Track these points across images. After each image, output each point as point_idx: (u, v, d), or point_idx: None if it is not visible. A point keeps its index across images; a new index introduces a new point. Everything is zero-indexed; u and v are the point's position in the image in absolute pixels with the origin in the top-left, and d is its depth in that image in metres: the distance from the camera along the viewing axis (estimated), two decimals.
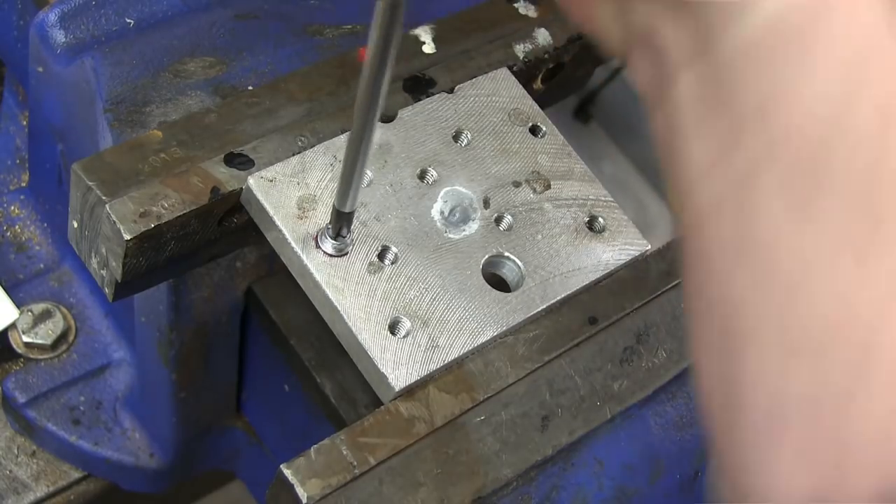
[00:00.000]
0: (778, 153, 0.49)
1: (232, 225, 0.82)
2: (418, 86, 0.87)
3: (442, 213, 0.82)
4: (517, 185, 0.85)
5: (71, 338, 1.12)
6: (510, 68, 0.90)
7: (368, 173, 0.81)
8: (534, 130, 0.88)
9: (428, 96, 0.87)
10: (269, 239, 0.80)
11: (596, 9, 0.55)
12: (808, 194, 0.48)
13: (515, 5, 0.95)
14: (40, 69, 0.95)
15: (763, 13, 0.48)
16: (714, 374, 0.52)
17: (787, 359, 0.48)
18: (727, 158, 0.51)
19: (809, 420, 0.48)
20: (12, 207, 1.16)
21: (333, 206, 0.75)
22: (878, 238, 0.47)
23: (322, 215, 0.79)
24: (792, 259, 0.48)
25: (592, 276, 0.83)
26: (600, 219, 0.85)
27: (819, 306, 0.48)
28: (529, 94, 0.90)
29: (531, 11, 0.94)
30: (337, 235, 0.77)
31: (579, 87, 1.05)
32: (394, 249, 0.79)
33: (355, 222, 0.77)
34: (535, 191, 0.85)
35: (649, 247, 0.85)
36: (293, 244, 0.78)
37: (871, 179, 0.48)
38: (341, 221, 0.76)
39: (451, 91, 0.88)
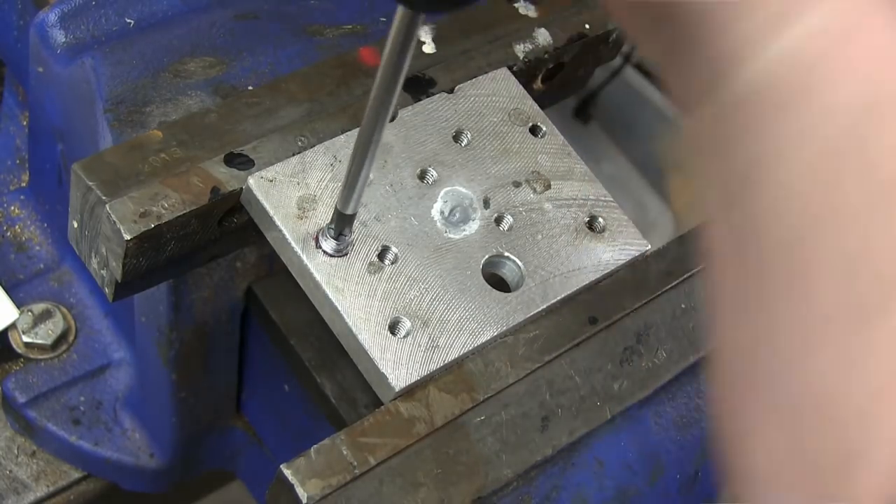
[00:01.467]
0: (767, 221, 0.47)
1: (232, 225, 0.82)
2: (418, 86, 0.87)
3: (442, 213, 0.82)
4: (517, 185, 0.85)
5: (71, 338, 1.12)
6: (510, 68, 0.90)
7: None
8: (534, 130, 0.88)
9: (428, 96, 0.87)
10: (269, 239, 0.80)
11: (634, 19, 0.53)
12: (797, 268, 0.47)
13: (515, 5, 0.95)
14: (40, 69, 0.95)
15: (763, 61, 0.46)
16: (725, 415, 0.52)
17: (789, 419, 0.48)
18: (728, 210, 0.49)
19: (810, 482, 0.48)
20: (12, 207, 1.16)
21: (335, 207, 0.75)
22: (870, 329, 0.46)
23: (322, 215, 0.79)
24: (788, 327, 0.48)
25: (592, 276, 0.83)
26: (600, 219, 0.85)
27: (816, 374, 0.47)
28: (529, 94, 0.90)
29: (531, 11, 0.94)
30: (338, 236, 0.77)
31: (579, 87, 1.05)
32: (394, 249, 0.79)
33: (355, 222, 0.77)
34: (535, 191, 0.85)
35: (649, 247, 0.85)
36: (293, 244, 0.78)
37: (858, 260, 0.46)
38: (343, 223, 0.76)
39: (451, 91, 0.88)
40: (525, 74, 0.92)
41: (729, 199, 0.49)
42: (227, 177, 0.79)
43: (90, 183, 0.77)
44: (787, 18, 0.46)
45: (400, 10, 0.60)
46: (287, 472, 0.71)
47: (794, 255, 0.47)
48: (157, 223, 0.76)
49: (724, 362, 0.51)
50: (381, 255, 0.79)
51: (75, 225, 0.81)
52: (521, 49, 0.92)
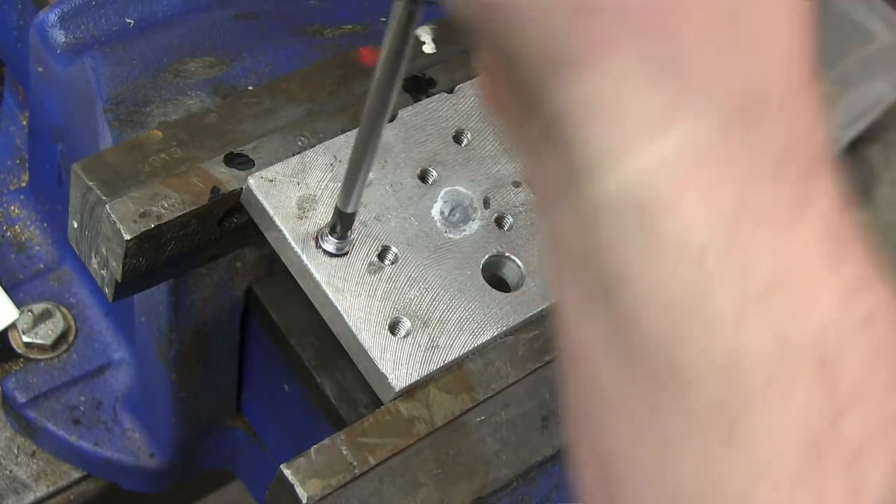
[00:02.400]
0: (623, 337, 0.46)
1: (232, 225, 0.82)
2: (418, 86, 0.87)
3: (442, 213, 0.82)
4: (517, 185, 0.85)
5: (71, 338, 1.12)
6: None
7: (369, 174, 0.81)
8: None
9: (428, 96, 0.87)
10: (269, 239, 0.80)
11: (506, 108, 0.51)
12: (658, 383, 0.46)
13: None
14: (40, 69, 0.95)
15: (620, 174, 0.44)
16: None
17: None
18: (585, 317, 0.48)
19: None
20: (12, 207, 1.16)
21: (336, 206, 0.75)
22: (736, 430, 0.45)
23: (322, 215, 0.79)
24: (655, 435, 0.46)
25: None
26: None
27: (686, 475, 0.46)
28: None
29: None
30: (337, 235, 0.77)
31: None
32: (394, 249, 0.79)
33: (355, 222, 0.77)
34: None
35: None
36: (293, 244, 0.78)
37: (727, 374, 0.45)
38: (343, 222, 0.76)
39: (451, 91, 0.88)
40: None
41: (588, 304, 0.48)
42: (227, 177, 0.79)
43: (90, 183, 0.77)
44: (644, 138, 0.44)
45: (396, 3, 0.60)
46: (287, 472, 0.71)
47: (658, 358, 0.46)
48: (157, 223, 0.76)
49: (589, 464, 0.50)
50: (381, 255, 0.79)
51: (75, 225, 0.81)
52: None
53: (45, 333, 1.10)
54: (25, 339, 1.10)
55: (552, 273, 0.50)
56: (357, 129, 0.71)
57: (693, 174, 0.44)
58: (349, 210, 0.75)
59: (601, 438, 0.49)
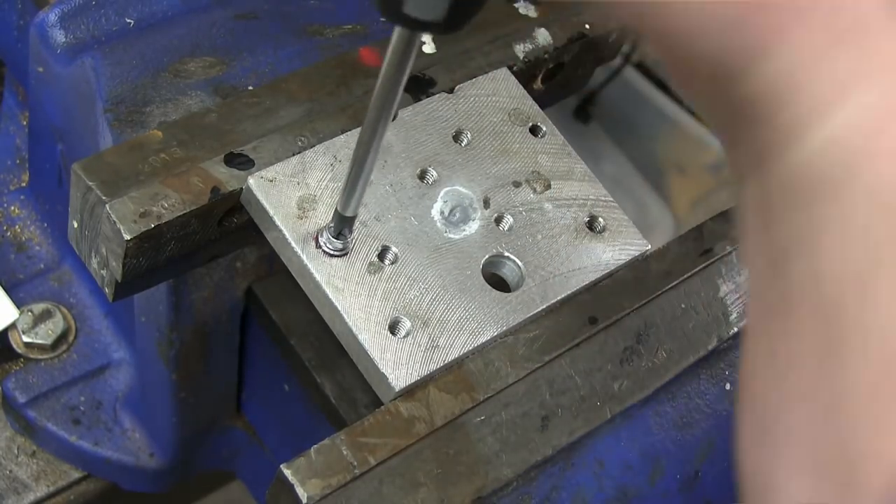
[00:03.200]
0: (798, 300, 0.48)
1: (232, 225, 0.82)
2: (418, 86, 0.87)
3: (442, 213, 0.82)
4: (517, 185, 0.85)
5: (71, 338, 1.12)
6: (510, 68, 0.90)
7: None
8: (534, 130, 0.88)
9: (428, 96, 0.87)
10: (269, 239, 0.80)
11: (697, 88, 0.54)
12: (824, 349, 0.48)
13: (515, 5, 0.95)
14: (40, 69, 0.95)
15: (809, 144, 0.48)
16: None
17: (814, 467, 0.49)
18: (766, 283, 0.50)
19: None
20: (12, 207, 1.16)
21: (336, 209, 0.75)
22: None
23: (322, 215, 0.79)
24: (819, 390, 0.48)
25: (592, 276, 0.83)
26: (600, 219, 0.85)
27: (848, 431, 0.48)
28: (529, 94, 0.90)
29: (531, 11, 0.94)
30: (338, 236, 0.77)
31: (579, 87, 1.04)
32: (394, 249, 0.79)
33: (355, 222, 0.77)
34: (535, 191, 0.85)
35: (649, 247, 0.85)
36: (293, 244, 0.78)
37: (888, 340, 0.46)
38: (343, 224, 0.76)
39: (451, 91, 0.88)
40: (525, 74, 0.92)
41: (771, 269, 0.50)
42: (227, 177, 0.79)
43: (90, 183, 0.77)
44: (832, 104, 0.47)
45: (397, 29, 0.61)
46: (287, 472, 0.71)
47: (829, 326, 0.48)
48: (157, 223, 0.76)
49: (754, 415, 0.52)
50: (381, 255, 0.79)
51: (75, 225, 0.81)
52: (521, 49, 0.92)
53: (45, 333, 1.10)
54: (25, 339, 1.10)
55: (743, 245, 0.53)
56: (357, 129, 0.71)
57: (886, 127, 0.47)
58: (349, 214, 0.75)
59: (768, 395, 0.51)
